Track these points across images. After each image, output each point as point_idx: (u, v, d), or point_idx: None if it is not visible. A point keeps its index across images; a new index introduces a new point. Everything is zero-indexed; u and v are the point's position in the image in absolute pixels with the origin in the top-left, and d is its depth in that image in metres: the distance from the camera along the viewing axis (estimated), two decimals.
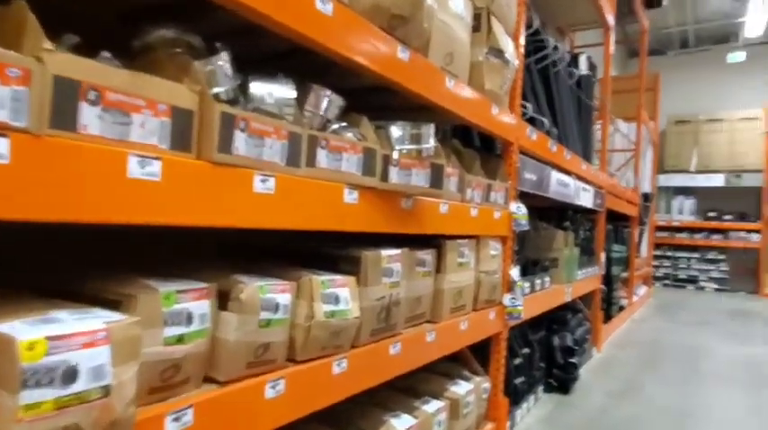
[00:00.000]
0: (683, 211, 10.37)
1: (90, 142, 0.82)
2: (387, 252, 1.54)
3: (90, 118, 0.82)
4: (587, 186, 3.88)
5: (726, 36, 10.22)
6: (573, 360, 3.39)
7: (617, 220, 5.82)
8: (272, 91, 1.23)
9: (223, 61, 1.11)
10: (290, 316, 1.22)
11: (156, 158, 0.89)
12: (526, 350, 2.99)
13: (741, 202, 9.90)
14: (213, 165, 1.01)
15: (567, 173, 3.38)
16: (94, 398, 0.76)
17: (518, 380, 2.80)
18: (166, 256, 1.41)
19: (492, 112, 2.17)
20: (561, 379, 3.37)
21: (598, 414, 3.03)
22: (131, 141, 0.88)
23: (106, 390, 0.78)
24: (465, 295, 2.06)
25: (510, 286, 2.44)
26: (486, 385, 2.34)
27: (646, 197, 7.28)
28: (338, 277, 1.37)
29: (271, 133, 1.14)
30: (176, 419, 0.95)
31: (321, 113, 1.40)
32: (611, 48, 4.66)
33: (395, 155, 1.50)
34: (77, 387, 0.74)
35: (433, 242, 1.89)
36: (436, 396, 2.01)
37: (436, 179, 1.65)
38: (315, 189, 1.26)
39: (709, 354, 4.64)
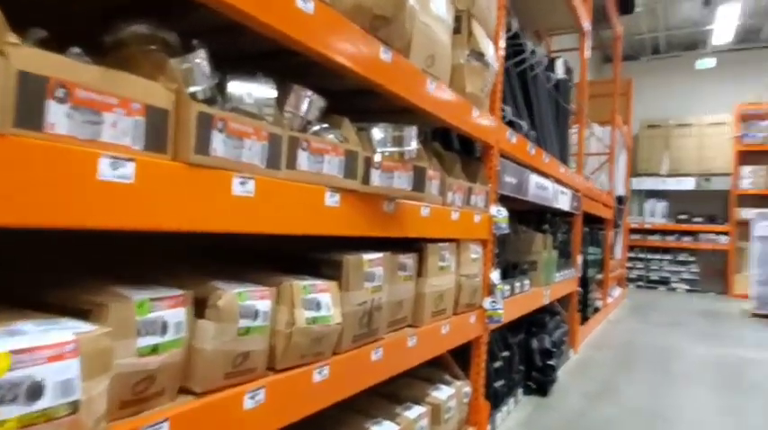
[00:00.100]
0: (655, 214, 10.60)
1: (58, 142, 0.77)
2: (368, 256, 1.51)
3: (58, 116, 0.78)
4: (565, 189, 3.92)
5: (695, 43, 10.50)
6: (551, 362, 3.41)
7: (592, 223, 5.90)
8: (252, 91, 1.19)
9: (200, 59, 1.07)
10: (269, 323, 1.18)
11: (129, 160, 0.85)
12: (506, 353, 2.99)
13: (710, 205, 10.17)
14: (190, 166, 0.97)
15: (546, 176, 3.40)
16: (62, 415, 0.72)
17: (498, 384, 2.80)
18: (140, 261, 1.35)
19: (473, 115, 2.17)
20: (540, 381, 3.38)
21: (576, 416, 3.05)
22: (103, 141, 0.84)
23: (75, 406, 0.73)
24: (446, 299, 2.05)
25: (490, 289, 2.44)
26: (467, 389, 2.32)
27: (620, 200, 7.42)
28: (319, 282, 1.33)
29: (250, 134, 1.10)
30: None
31: (302, 114, 1.37)
32: (587, 53, 4.73)
33: (377, 157, 1.48)
34: (43, 403, 0.70)
35: (415, 246, 1.87)
36: (418, 401, 1.99)
37: (418, 182, 1.63)
38: (296, 192, 1.23)
39: (680, 355, 4.72)
